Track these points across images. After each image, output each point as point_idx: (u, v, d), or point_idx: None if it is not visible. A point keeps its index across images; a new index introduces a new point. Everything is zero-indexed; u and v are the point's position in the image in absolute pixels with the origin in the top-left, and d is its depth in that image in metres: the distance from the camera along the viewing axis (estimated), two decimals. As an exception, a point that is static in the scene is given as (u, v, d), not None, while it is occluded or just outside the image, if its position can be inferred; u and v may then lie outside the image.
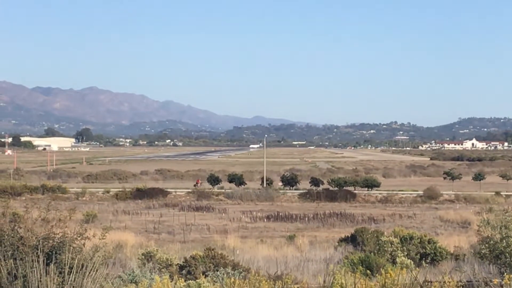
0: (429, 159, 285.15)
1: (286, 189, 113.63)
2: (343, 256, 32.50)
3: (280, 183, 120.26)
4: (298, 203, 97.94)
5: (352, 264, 27.98)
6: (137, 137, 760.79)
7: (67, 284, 13.20)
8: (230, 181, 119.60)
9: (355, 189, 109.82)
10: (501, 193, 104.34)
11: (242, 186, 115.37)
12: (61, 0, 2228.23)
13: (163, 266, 27.76)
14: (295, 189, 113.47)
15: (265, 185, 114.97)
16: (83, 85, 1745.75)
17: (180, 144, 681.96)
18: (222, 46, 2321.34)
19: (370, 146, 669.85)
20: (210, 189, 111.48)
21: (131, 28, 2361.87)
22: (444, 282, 14.61)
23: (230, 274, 20.78)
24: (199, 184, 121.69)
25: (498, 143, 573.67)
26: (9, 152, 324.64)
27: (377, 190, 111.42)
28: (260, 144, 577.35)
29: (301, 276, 24.36)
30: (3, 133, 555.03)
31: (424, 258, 34.88)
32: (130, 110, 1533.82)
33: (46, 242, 14.05)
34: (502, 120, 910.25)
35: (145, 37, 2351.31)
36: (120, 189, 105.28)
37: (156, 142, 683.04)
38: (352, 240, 42.80)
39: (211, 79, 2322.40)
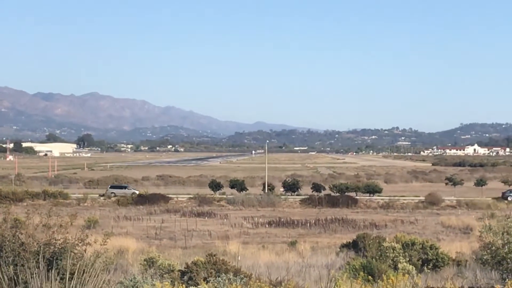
0: (430, 164, 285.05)
1: (288, 195, 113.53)
2: (345, 262, 32.41)
3: (282, 189, 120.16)
4: (299, 208, 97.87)
5: (353, 270, 27.92)
6: (139, 143, 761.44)
7: (68, 290, 13.18)
8: (232, 187, 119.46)
9: (356, 195, 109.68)
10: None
11: (244, 191, 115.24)
12: (62, 5, 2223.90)
13: (165, 272, 27.71)
14: (297, 195, 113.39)
15: (266, 191, 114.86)
16: (84, 91, 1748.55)
17: (182, 149, 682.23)
18: (223, 51, 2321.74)
19: (371, 151, 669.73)
20: (212, 195, 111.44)
21: (132, 34, 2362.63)
22: (446, 288, 14.60)
23: (231, 280, 20.73)
24: None
25: (499, 148, 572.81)
26: (10, 157, 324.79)
27: (378, 195, 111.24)
28: (257, 150, 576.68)
29: (303, 282, 24.30)
30: (4, 138, 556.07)
31: (426, 264, 34.82)
32: (132, 115, 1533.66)
33: (47, 248, 14.05)
34: (504, 126, 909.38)
35: (146, 42, 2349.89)
36: (122, 195, 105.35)
37: (157, 148, 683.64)
38: (353, 246, 42.69)
39: (213, 84, 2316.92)
